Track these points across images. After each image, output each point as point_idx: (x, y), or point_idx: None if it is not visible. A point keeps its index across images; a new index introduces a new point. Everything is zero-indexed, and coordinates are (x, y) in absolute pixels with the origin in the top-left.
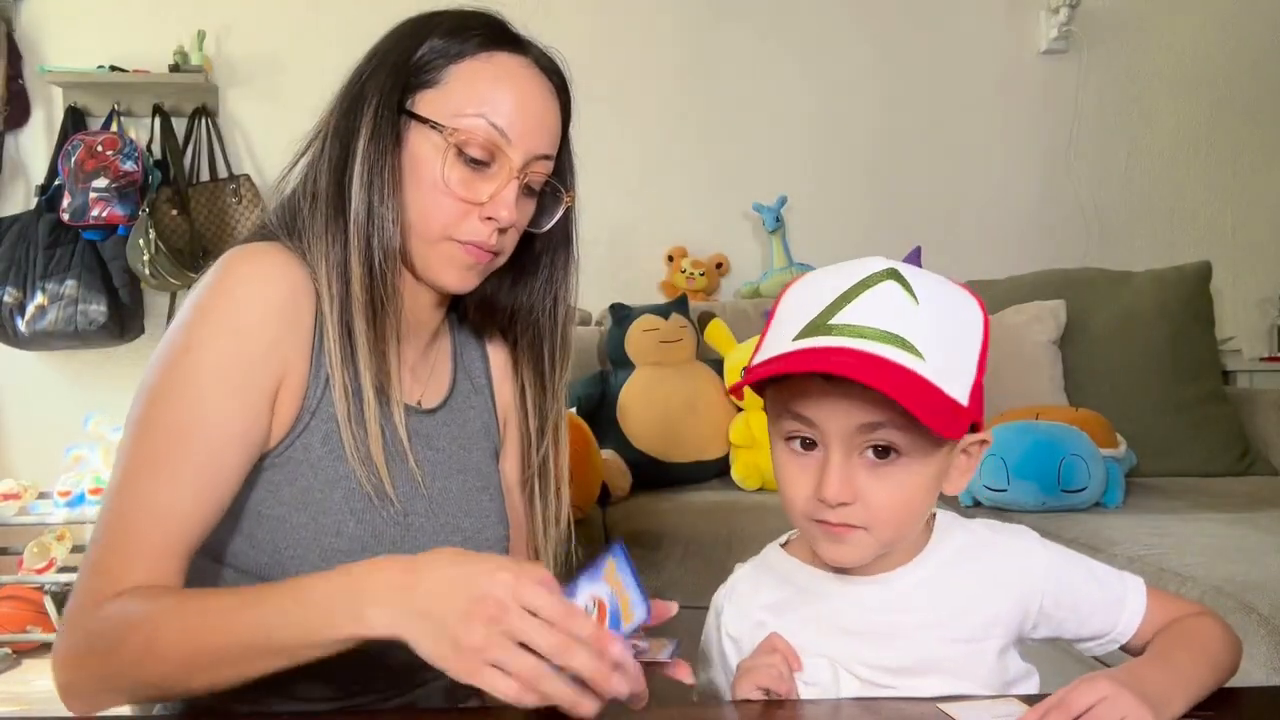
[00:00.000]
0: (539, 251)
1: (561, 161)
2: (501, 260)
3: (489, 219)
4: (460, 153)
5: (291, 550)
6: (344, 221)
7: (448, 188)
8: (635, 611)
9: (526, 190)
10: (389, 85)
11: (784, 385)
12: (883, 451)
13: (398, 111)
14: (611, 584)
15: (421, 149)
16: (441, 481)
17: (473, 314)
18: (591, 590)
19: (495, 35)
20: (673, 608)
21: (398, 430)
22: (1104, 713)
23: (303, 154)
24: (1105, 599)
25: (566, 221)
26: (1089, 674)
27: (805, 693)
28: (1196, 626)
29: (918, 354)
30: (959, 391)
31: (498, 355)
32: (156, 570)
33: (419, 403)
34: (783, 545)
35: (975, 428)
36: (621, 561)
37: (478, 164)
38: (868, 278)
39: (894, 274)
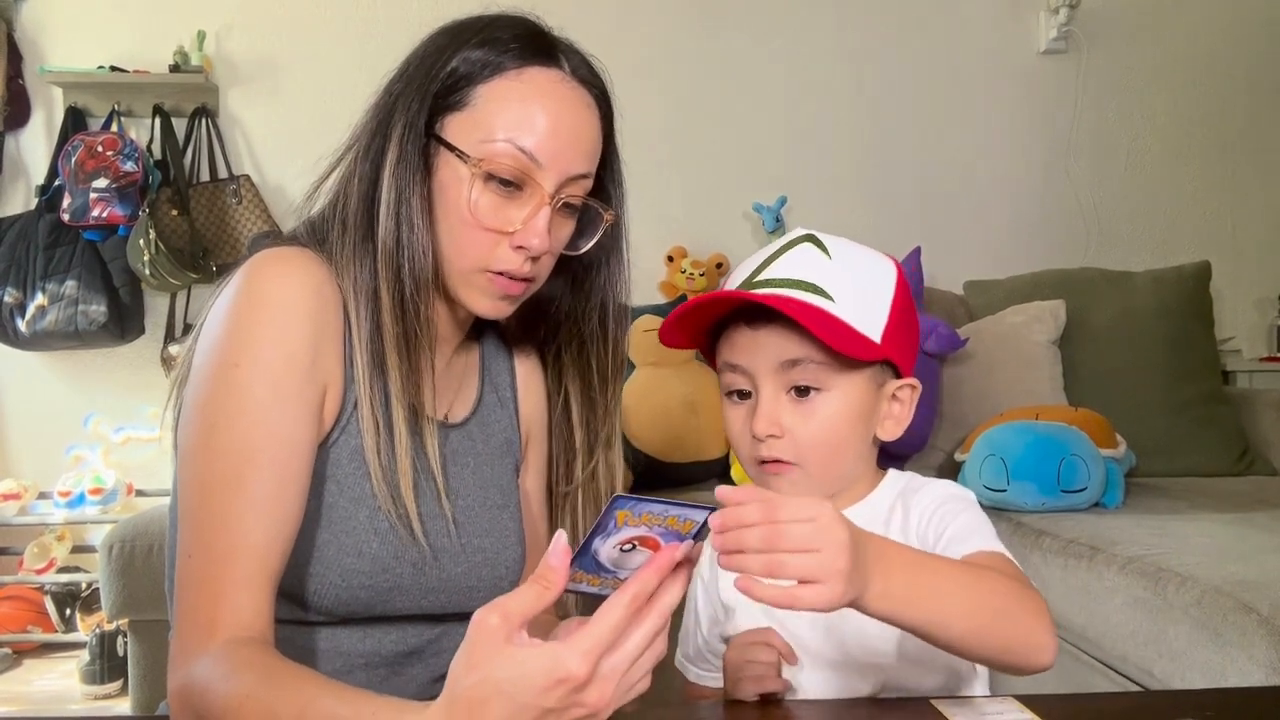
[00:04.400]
0: (585, 262)
1: (604, 176)
2: (537, 285)
3: (520, 248)
4: (489, 179)
5: (313, 568)
6: (372, 247)
7: (476, 217)
8: (692, 516)
9: (566, 208)
10: (416, 108)
11: (722, 342)
12: (803, 390)
13: (425, 135)
14: (644, 522)
15: (449, 177)
16: (464, 500)
17: (514, 327)
18: (618, 539)
19: (529, 47)
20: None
21: (429, 455)
22: (800, 537)
23: (334, 167)
24: (962, 528)
25: (615, 233)
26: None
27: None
28: (999, 577)
29: (828, 297)
30: (869, 330)
31: (524, 366)
32: (250, 607)
33: (446, 416)
34: None
35: (900, 373)
36: (633, 504)
37: (508, 186)
38: (788, 242)
39: (811, 238)
